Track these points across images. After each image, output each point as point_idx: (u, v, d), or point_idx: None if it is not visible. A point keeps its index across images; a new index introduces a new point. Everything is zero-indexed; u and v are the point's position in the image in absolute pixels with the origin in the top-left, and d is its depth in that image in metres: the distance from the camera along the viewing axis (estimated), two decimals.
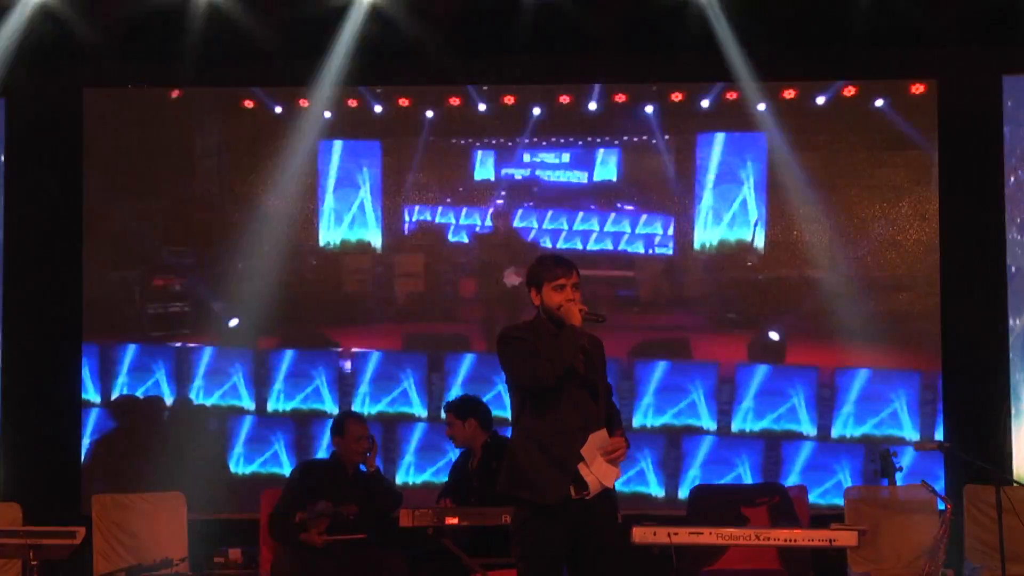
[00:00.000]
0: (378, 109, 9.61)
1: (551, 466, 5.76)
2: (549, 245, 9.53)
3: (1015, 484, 8.28)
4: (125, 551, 8.50)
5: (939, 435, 9.05)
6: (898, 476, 8.19)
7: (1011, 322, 9.14)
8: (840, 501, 8.72)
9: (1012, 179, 9.20)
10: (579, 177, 9.65)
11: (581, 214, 9.63)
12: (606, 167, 9.62)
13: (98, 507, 8.59)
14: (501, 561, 7.34)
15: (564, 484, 5.75)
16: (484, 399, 8.39)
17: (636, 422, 9.37)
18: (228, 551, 8.72)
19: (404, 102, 9.59)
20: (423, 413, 9.52)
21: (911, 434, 9.12)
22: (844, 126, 9.36)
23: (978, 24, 8.94)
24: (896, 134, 9.31)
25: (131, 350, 9.57)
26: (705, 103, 9.42)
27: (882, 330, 9.24)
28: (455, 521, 7.46)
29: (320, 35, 9.13)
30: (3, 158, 9.47)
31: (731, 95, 9.37)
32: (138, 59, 9.31)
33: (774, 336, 9.41)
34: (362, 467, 8.20)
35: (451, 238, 9.65)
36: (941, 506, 7.84)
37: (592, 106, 9.50)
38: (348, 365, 9.58)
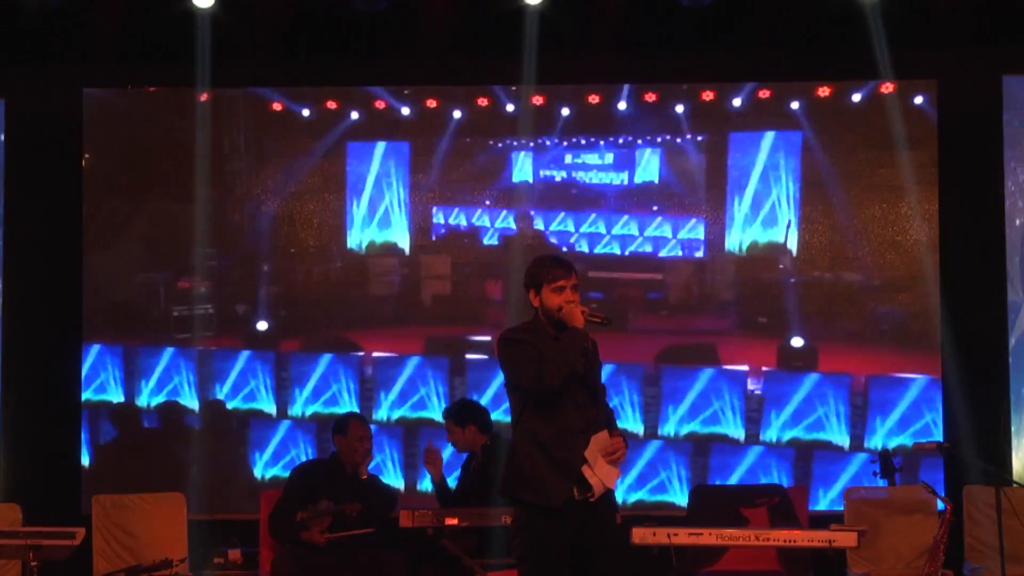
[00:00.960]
0: (405, 111, 9.61)
1: (553, 468, 5.75)
2: (586, 250, 9.49)
3: (1015, 485, 8.28)
4: (125, 551, 8.50)
5: (939, 436, 9.05)
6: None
7: (1011, 322, 9.14)
8: None
9: (1012, 180, 9.20)
10: (621, 179, 9.59)
11: (623, 218, 9.57)
12: (648, 169, 9.57)
13: (98, 507, 8.59)
14: (501, 561, 7.36)
15: (567, 486, 5.74)
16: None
17: (662, 430, 9.34)
18: (228, 551, 8.72)
19: (432, 103, 9.57)
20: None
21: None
22: (844, 126, 9.36)
23: (978, 24, 8.94)
24: (896, 134, 9.30)
25: (156, 352, 9.57)
26: (737, 102, 9.38)
27: (884, 335, 9.24)
28: (455, 521, 7.47)
29: (332, 35, 9.15)
30: (3, 158, 9.47)
31: (763, 93, 9.35)
32: (138, 60, 9.30)
33: (805, 342, 9.35)
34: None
35: (485, 241, 9.63)
36: (941, 507, 7.84)
37: (622, 105, 9.47)
38: (370, 370, 9.56)
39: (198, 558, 8.66)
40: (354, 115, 9.56)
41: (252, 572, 8.58)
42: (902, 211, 9.32)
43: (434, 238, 9.64)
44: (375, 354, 9.56)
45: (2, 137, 9.45)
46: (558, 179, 9.62)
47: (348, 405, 9.45)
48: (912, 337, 9.27)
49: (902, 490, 8.45)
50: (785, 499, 8.50)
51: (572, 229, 9.61)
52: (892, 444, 9.12)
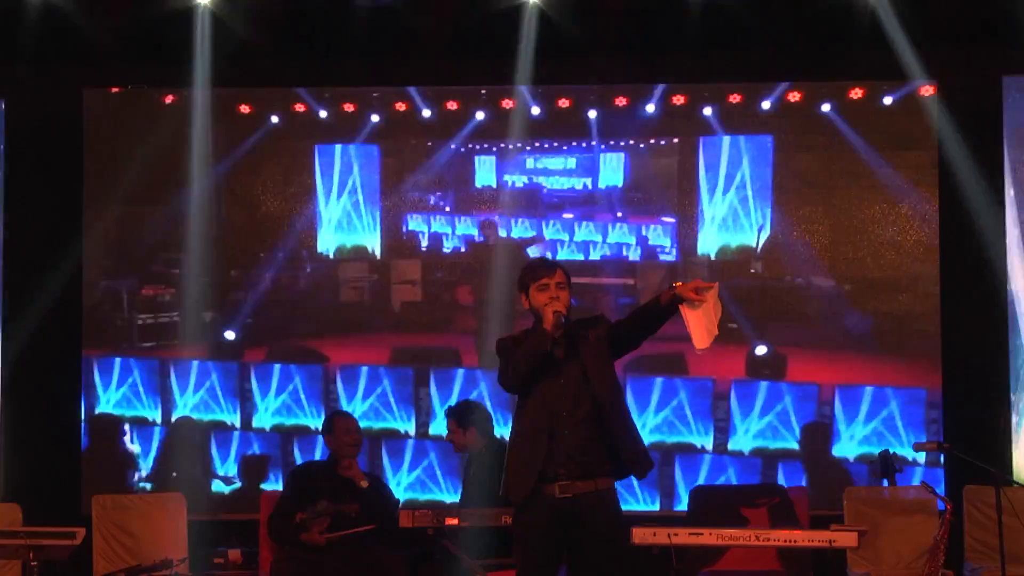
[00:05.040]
0: (375, 117, 9.59)
1: (519, 465, 5.92)
2: (548, 255, 9.49)
3: (1015, 485, 8.28)
4: (125, 552, 8.50)
5: (939, 436, 9.05)
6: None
7: (1010, 322, 9.14)
8: None
9: (1011, 180, 9.20)
10: (584, 183, 9.58)
11: (585, 224, 9.57)
12: (611, 173, 9.55)
13: (98, 507, 8.59)
14: (501, 561, 7.35)
15: (527, 483, 5.86)
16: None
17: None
18: (228, 551, 8.72)
19: (401, 106, 9.55)
20: (411, 429, 9.49)
21: (911, 453, 9.04)
22: (844, 127, 9.35)
23: (978, 24, 8.93)
24: (896, 134, 9.30)
25: (118, 362, 9.54)
26: (708, 110, 9.39)
27: (883, 335, 9.23)
28: (455, 521, 7.47)
29: (319, 35, 9.14)
30: (3, 158, 9.46)
31: (734, 97, 9.35)
32: (138, 59, 9.29)
33: (774, 351, 9.35)
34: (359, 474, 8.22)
35: (449, 246, 9.60)
36: (941, 507, 7.84)
37: (592, 113, 9.46)
38: (335, 380, 9.52)
39: (198, 558, 8.65)
40: (323, 115, 9.53)
41: (252, 572, 8.58)
42: (902, 211, 9.32)
43: (403, 240, 9.61)
44: (340, 364, 9.53)
45: (2, 137, 9.44)
46: (520, 184, 9.61)
47: (311, 417, 9.43)
48: (910, 337, 9.27)
49: (902, 490, 8.45)
50: (785, 499, 8.50)
51: (536, 233, 9.60)
52: (856, 454, 9.15)
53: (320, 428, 8.42)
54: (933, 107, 9.21)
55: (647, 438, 9.25)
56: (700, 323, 5.74)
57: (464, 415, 8.19)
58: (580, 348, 5.95)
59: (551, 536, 5.87)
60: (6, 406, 9.33)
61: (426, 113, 9.53)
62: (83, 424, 9.47)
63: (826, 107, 9.34)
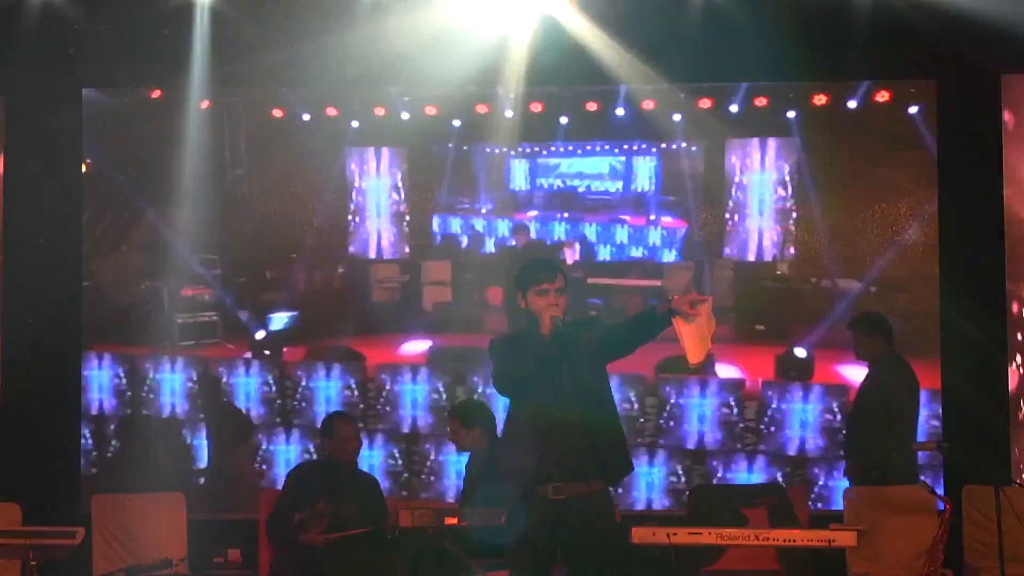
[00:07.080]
0: (405, 116, 9.61)
1: (514, 468, 5.94)
2: (582, 257, 9.54)
3: (1014, 485, 8.28)
4: (125, 551, 8.50)
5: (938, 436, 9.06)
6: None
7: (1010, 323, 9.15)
8: None
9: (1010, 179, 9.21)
10: (615, 187, 9.62)
11: (616, 226, 9.61)
12: (643, 176, 9.59)
13: (98, 507, 8.59)
14: (501, 561, 7.35)
15: (521, 485, 5.89)
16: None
17: (660, 439, 9.37)
18: (228, 551, 8.73)
19: (432, 110, 9.57)
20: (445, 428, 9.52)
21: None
22: (843, 127, 9.36)
23: (978, 24, 8.93)
24: (896, 134, 9.31)
25: (157, 360, 9.59)
26: (733, 108, 9.40)
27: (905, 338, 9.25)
28: (455, 521, 7.47)
29: (333, 37, 9.14)
30: (2, 158, 9.47)
31: (759, 101, 9.37)
32: (138, 59, 9.29)
33: (802, 352, 9.37)
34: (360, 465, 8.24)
35: (483, 248, 9.65)
36: (940, 507, 7.84)
37: (620, 111, 9.48)
38: (372, 378, 9.56)
39: (198, 558, 8.66)
40: (354, 123, 9.55)
41: (252, 572, 8.58)
42: (902, 211, 9.33)
43: (436, 244, 9.65)
44: (376, 363, 9.57)
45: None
46: (555, 186, 9.64)
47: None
48: (910, 336, 9.28)
49: (902, 490, 8.45)
50: (784, 499, 8.50)
51: (567, 236, 9.64)
52: None
53: (320, 429, 8.41)
54: (933, 106, 9.21)
55: (679, 438, 9.29)
56: (693, 337, 5.72)
57: (467, 415, 8.19)
58: (574, 351, 5.92)
59: (544, 537, 5.86)
60: (7, 406, 9.33)
61: (456, 121, 9.58)
62: (82, 425, 9.49)
63: (826, 107, 9.35)
